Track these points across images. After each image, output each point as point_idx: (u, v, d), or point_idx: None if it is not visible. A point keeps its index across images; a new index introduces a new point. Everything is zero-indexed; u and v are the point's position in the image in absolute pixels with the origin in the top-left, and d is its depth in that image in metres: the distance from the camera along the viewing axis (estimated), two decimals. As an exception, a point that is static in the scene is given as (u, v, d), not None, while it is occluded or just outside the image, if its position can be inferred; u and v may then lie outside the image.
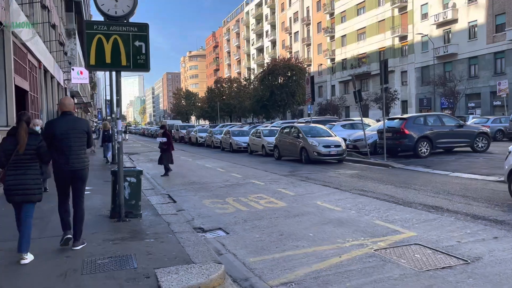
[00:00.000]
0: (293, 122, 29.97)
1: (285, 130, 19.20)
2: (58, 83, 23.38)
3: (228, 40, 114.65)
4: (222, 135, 28.71)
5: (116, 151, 6.69)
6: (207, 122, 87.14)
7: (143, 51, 6.59)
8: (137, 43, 6.51)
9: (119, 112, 7.06)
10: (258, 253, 5.41)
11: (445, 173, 12.17)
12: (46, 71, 18.75)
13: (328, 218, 7.14)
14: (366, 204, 8.21)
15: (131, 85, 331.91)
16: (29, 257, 4.89)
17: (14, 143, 4.87)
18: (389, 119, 16.92)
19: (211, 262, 4.59)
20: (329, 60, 67.29)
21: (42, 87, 16.69)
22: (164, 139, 14.32)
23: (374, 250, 5.28)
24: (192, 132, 37.50)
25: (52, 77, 20.61)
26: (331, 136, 17.45)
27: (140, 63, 6.61)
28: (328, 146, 16.40)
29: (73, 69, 25.83)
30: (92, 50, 6.32)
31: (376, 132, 17.74)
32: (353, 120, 25.10)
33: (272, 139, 21.47)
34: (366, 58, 58.43)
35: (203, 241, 5.57)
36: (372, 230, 6.26)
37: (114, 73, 7.25)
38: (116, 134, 6.90)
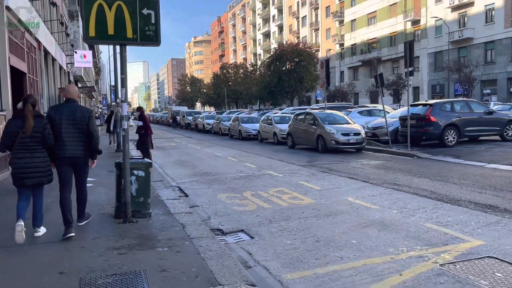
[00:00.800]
0: (305, 109, 28.87)
1: (300, 117, 18.11)
2: (61, 67, 22.34)
3: (234, 25, 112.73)
4: (230, 122, 27.66)
5: (121, 140, 5.63)
6: (212, 109, 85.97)
7: (153, 21, 5.52)
8: (145, 11, 5.44)
9: (124, 93, 6.02)
10: (295, 267, 4.41)
11: (480, 165, 11.09)
12: (46, 52, 17.70)
13: (367, 219, 6.13)
14: (407, 201, 7.18)
15: (136, 71, 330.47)
16: (42, 230, 5.26)
17: (20, 126, 4.90)
18: (412, 105, 15.77)
19: (242, 285, 3.59)
20: (337, 45, 65.68)
21: (42, 70, 15.66)
22: (140, 123, 13.28)
23: (440, 265, 4.26)
24: (199, 119, 36.47)
25: (54, 59, 19.56)
26: (350, 123, 16.36)
27: (148, 35, 5.55)
28: (347, 134, 15.32)
29: (76, 52, 24.72)
30: (91, 19, 5.26)
31: (397, 119, 16.61)
32: (367, 106, 23.94)
33: (284, 126, 20.42)
34: (376, 43, 56.83)
35: (227, 252, 4.57)
36: (427, 236, 5.24)
37: (118, 47, 6.18)
38: (120, 119, 5.86)
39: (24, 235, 4.79)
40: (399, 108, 26.68)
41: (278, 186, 9.00)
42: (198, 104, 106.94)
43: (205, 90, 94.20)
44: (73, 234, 5.14)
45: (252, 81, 67.98)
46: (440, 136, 14.57)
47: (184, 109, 52.32)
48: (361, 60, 58.83)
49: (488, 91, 41.30)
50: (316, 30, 72.02)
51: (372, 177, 9.80)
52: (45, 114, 5.68)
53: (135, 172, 6.06)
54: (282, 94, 56.04)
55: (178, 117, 48.22)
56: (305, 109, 28.95)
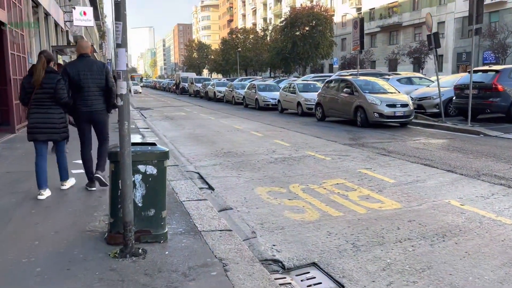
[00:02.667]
0: (329, 76, 26.21)
1: (332, 85, 15.56)
2: (56, 24, 19.73)
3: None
4: (245, 90, 25.12)
5: (118, 113, 3.20)
6: (220, 76, 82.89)
7: None
8: None
9: (121, 35, 3.60)
10: None
11: None
12: (37, 4, 15.12)
13: (515, 247, 3.79)
14: (547, 210, 4.82)
15: (141, 36, 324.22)
16: (68, 183, 5.52)
17: (31, 81, 4.94)
18: (474, 72, 13.13)
19: None
20: (355, 10, 61.72)
21: (29, 23, 13.16)
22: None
23: None
24: (210, 86, 33.86)
25: (47, 14, 16.97)
26: (394, 92, 13.83)
27: None
28: (393, 105, 12.83)
29: (74, 8, 22.03)
30: None
31: (451, 88, 14.03)
32: (401, 74, 21.22)
33: (309, 95, 17.94)
34: (397, 7, 53.08)
35: None
36: None
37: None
38: (116, 79, 3.51)
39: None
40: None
41: (333, 176, 6.66)
42: (205, 71, 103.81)
43: (212, 57, 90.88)
44: (94, 188, 5.43)
45: (263, 47, 64.69)
46: (509, 109, 12.05)
47: (193, 75, 49.48)
48: (380, 25, 55.32)
49: (522, 59, 38.13)
50: (332, -7, 67.86)
51: (453, 163, 7.41)
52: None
53: (142, 168, 3.71)
54: (296, 61, 53.01)
55: (185, 84, 45.57)
56: (330, 75, 26.33)
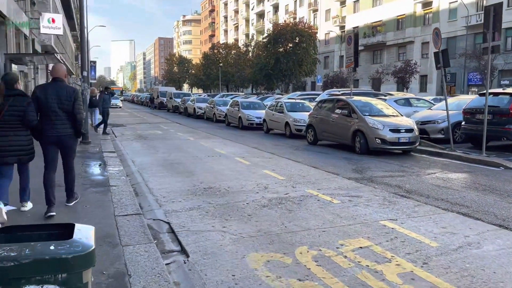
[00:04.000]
0: (316, 94, 24.81)
1: (325, 105, 14.00)
2: (18, 30, 17.70)
3: (226, 4, 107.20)
4: (227, 107, 23.41)
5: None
6: (200, 91, 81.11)
7: None
8: None
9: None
10: None
11: None
12: (-10, 6, 13.16)
13: None
14: None
15: (122, 49, 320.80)
16: (28, 205, 5.35)
17: (1, 104, 4.87)
18: (481, 95, 11.77)
19: None
20: (338, 28, 61.35)
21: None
22: None
23: None
24: (189, 102, 32.05)
25: (3, 16, 14.97)
26: (396, 115, 12.35)
27: None
28: (397, 131, 11.32)
29: (40, 14, 20.03)
30: None
31: (458, 112, 12.64)
32: (393, 95, 19.91)
33: (299, 116, 16.38)
34: (381, 26, 52.74)
35: None
36: None
37: None
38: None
39: (5, 216, 4.05)
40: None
41: (351, 233, 4.94)
42: (186, 86, 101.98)
43: (193, 71, 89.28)
44: (54, 213, 5.16)
45: (245, 62, 63.43)
46: (527, 138, 10.67)
47: (172, 90, 47.63)
48: (364, 44, 54.74)
49: (506, 81, 37.76)
50: (315, 11, 67.54)
51: (498, 212, 5.80)
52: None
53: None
54: (280, 78, 51.78)
55: (164, 99, 43.63)
56: (317, 94, 24.93)
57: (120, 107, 46.86)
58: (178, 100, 36.62)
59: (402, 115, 12.44)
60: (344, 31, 59.84)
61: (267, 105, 21.91)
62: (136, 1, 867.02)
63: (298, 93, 27.37)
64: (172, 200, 6.50)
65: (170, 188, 7.34)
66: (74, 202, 5.60)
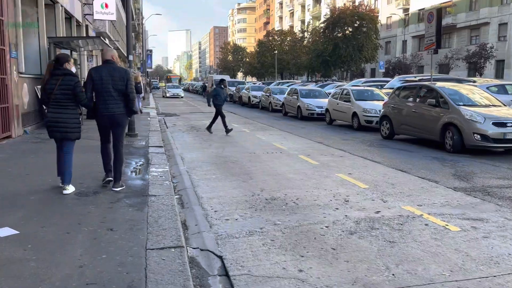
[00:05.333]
0: (382, 81, 22.42)
1: (405, 93, 11.88)
2: (70, 15, 16.97)
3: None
4: (285, 96, 21.67)
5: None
6: (254, 79, 79.70)
7: None
8: None
9: None
10: None
11: None
12: (37, -12, 12.29)
13: None
14: None
15: (178, 39, 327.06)
16: (70, 189, 5.33)
17: (53, 83, 5.16)
18: None
19: None
20: (401, 10, 57.21)
21: (17, 7, 10.23)
22: None
23: None
24: (244, 90, 30.63)
25: (54, 1, 14.16)
26: (499, 105, 10.05)
27: None
28: (502, 125, 9.07)
29: (92, -2, 19.29)
30: None
31: None
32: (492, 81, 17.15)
33: (369, 106, 14.36)
34: (452, 7, 48.27)
35: None
36: None
37: None
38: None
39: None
40: None
41: (501, 292, 3.12)
42: (240, 74, 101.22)
43: (248, 59, 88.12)
44: (111, 178, 5.58)
45: (301, 49, 61.05)
46: None
47: (226, 78, 46.52)
48: None
49: None
50: (376, -7, 63.51)
51: None
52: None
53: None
54: (338, 64, 49.08)
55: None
56: (385, 80, 22.50)
57: (182, 97, 42.59)
58: (233, 88, 35.36)
59: (505, 105, 10.12)
60: (408, 14, 55.76)
61: (329, 93, 19.98)
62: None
63: (363, 79, 25.05)
64: (226, 217, 4.96)
65: (224, 198, 5.81)
66: (120, 188, 5.55)
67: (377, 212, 5.14)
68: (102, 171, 5.79)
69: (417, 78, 16.06)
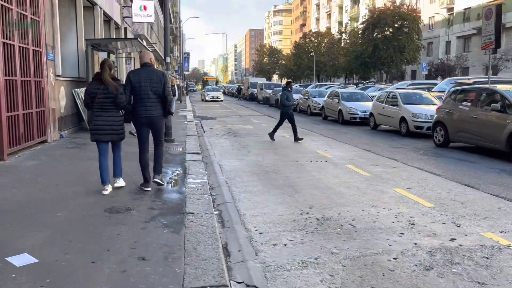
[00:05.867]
0: (428, 84, 21.18)
1: (462, 96, 10.83)
2: (109, 18, 16.88)
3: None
4: (325, 99, 20.82)
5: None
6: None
7: None
8: None
9: None
10: None
11: None
12: (75, -11, 12.11)
13: None
14: None
15: (215, 42, 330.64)
16: (121, 182, 5.70)
17: (98, 87, 5.36)
18: None
19: None
20: (445, 10, 54.84)
21: (53, 7, 10.00)
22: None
23: None
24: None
25: (93, 3, 14.02)
26: None
27: None
28: None
29: (131, 0, 19.17)
30: None
31: None
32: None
33: (419, 110, 13.47)
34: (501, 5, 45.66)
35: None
36: None
37: None
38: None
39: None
40: None
41: None
42: (275, 76, 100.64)
43: (283, 62, 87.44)
44: (149, 189, 5.64)
45: (339, 51, 59.70)
46: None
47: (263, 80, 45.91)
48: (477, 27, 48.00)
49: None
50: (418, -8, 61.28)
51: None
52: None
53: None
54: (377, 66, 47.49)
55: (254, 90, 42.15)
56: (432, 83, 21.26)
57: (221, 100, 40.17)
58: (269, 91, 34.76)
59: None
60: (453, 13, 53.36)
61: (372, 96, 19.00)
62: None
63: (408, 82, 23.81)
64: (274, 242, 4.29)
65: (269, 216, 5.15)
66: (159, 179, 5.73)
67: (453, 239, 4.33)
68: (135, 181, 5.27)
69: (471, 81, 14.87)
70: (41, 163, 7.39)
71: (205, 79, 76.99)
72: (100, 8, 14.84)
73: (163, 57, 13.86)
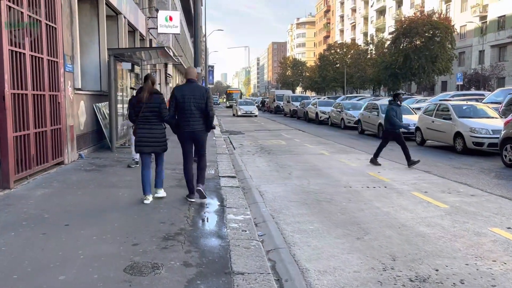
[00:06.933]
0: (475, 95, 19.53)
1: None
2: (133, 28, 16.02)
3: (342, 3, 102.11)
4: (361, 111, 19.38)
5: None
6: (313, 94, 77.18)
7: None
8: None
9: None
10: None
11: None
12: (98, -4, 11.19)
13: None
14: None
15: (237, 56, 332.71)
16: (161, 193, 5.91)
17: (140, 101, 5.62)
18: None
19: None
20: (478, 18, 52.67)
21: (73, 14, 9.03)
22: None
23: None
24: (310, 106, 28.60)
25: (117, 13, 13.12)
26: None
27: None
28: None
29: (157, 10, 18.33)
30: None
31: None
32: None
33: (477, 125, 11.84)
34: (540, 12, 43.47)
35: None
36: None
37: None
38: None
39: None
40: None
41: None
42: (299, 89, 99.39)
43: (308, 74, 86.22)
44: (194, 200, 5.77)
45: (366, 62, 58.06)
46: None
47: (289, 93, 44.69)
48: (514, 35, 45.84)
49: None
50: (448, 1, 59.35)
51: None
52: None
53: None
54: (408, 77, 45.67)
55: (280, 103, 40.92)
56: (480, 94, 19.57)
57: (256, 116, 34.48)
58: (297, 103, 33.47)
59: None
60: (486, 21, 51.18)
61: (415, 108, 17.48)
62: (250, 9, 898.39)
63: (451, 93, 22.13)
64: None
65: (341, 273, 3.81)
66: (202, 189, 5.78)
67: None
68: (164, 222, 4.03)
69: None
70: (52, 192, 6.25)
71: (228, 92, 74.03)
72: (125, 17, 13.94)
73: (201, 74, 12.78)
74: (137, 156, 7.98)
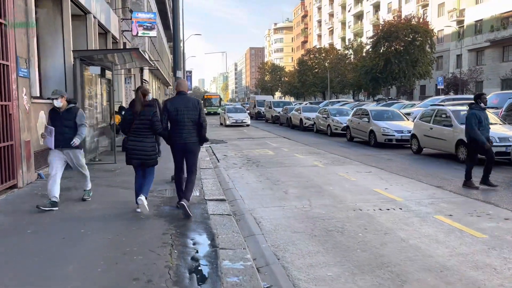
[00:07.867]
0: (463, 99, 18.84)
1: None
2: (105, 30, 14.64)
3: (319, 8, 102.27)
4: (350, 118, 18.44)
5: None
6: (292, 99, 76.46)
7: None
8: None
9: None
10: None
11: None
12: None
13: None
14: None
15: (214, 61, 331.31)
16: (143, 199, 5.52)
17: (131, 113, 5.66)
18: None
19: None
20: (455, 23, 52.99)
21: (28, 13, 7.66)
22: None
23: None
24: (294, 111, 27.59)
25: (85, 11, 11.76)
26: None
27: None
28: None
29: (131, 10, 16.97)
30: None
31: None
32: None
33: (494, 134, 10.83)
34: (516, 16, 43.87)
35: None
36: None
37: None
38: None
39: (147, 207, 5.47)
40: None
41: None
42: (278, 94, 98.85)
43: (286, 79, 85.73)
44: (182, 203, 5.53)
45: (346, 66, 57.76)
46: None
47: (270, 98, 43.72)
48: (490, 40, 46.07)
49: None
50: (425, 6, 59.75)
51: None
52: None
53: None
54: (388, 81, 45.35)
55: (261, 108, 39.89)
56: (463, 99, 18.90)
57: (248, 125, 30.07)
58: (279, 109, 32.44)
59: None
60: (463, 26, 51.52)
61: (406, 113, 16.64)
62: (227, 14, 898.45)
63: (441, 97, 21.46)
64: None
65: None
66: (186, 205, 5.51)
67: None
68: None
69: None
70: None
71: (206, 97, 66.14)
72: (94, 17, 12.58)
73: (164, 76, 11.57)
74: (54, 195, 5.87)
